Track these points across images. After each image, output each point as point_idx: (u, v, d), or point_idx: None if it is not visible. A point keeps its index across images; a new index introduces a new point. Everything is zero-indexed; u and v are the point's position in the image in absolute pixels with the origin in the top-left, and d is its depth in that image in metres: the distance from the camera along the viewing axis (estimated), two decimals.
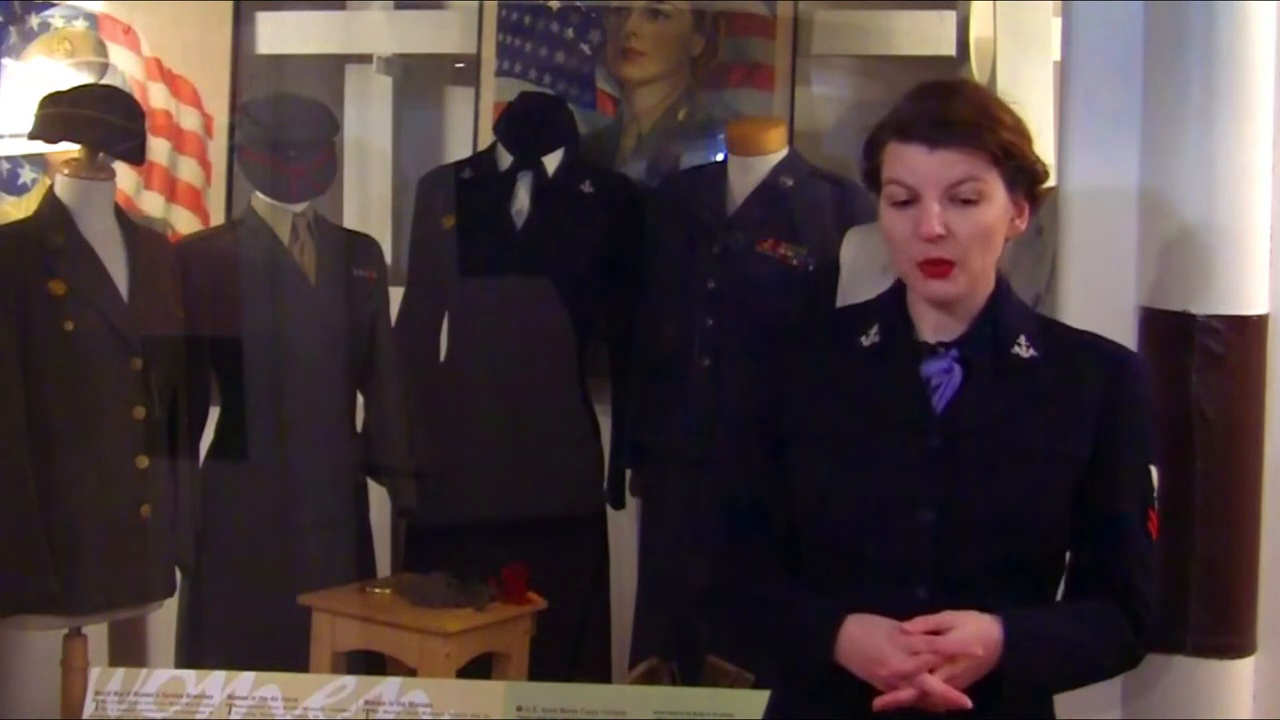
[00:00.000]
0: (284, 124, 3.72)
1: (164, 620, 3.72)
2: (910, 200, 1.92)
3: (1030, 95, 3.72)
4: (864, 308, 2.08)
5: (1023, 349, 1.97)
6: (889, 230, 1.95)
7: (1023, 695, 1.92)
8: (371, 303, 3.79)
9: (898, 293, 2.02)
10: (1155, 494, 2.00)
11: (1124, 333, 2.42)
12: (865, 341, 2.01)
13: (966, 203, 1.90)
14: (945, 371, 1.97)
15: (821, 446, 1.99)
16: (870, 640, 1.89)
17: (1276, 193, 2.42)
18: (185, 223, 4.14)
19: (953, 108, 1.91)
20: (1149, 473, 2.00)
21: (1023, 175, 1.94)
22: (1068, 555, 2.01)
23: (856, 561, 1.96)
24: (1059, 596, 2.02)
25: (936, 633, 1.86)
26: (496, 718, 2.76)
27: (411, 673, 3.34)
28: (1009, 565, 1.93)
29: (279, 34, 4.28)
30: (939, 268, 1.91)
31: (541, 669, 3.50)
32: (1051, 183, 2.69)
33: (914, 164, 1.91)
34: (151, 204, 4.13)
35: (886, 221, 1.95)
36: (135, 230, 3.56)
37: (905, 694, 1.86)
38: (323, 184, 3.76)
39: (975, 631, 1.86)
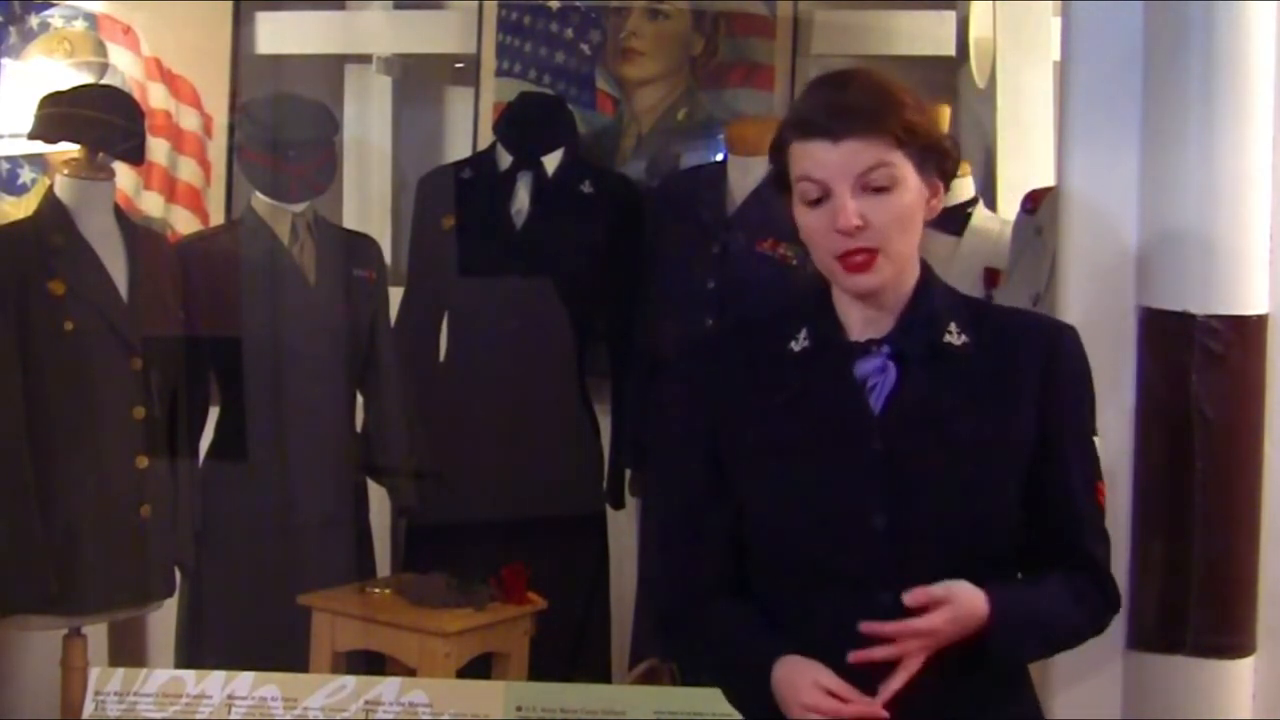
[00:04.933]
0: (284, 124, 3.72)
1: (164, 620, 3.71)
2: (823, 197, 1.89)
3: (1030, 95, 3.73)
4: (788, 311, 2.03)
5: (954, 336, 1.94)
6: (806, 229, 1.92)
7: (1004, 663, 1.92)
8: (371, 303, 3.79)
9: (822, 293, 1.99)
10: (1099, 465, 2.00)
11: (1124, 333, 2.42)
12: (795, 347, 1.97)
13: (879, 190, 1.87)
14: (879, 370, 1.94)
15: (762, 460, 1.96)
16: (792, 689, 1.87)
17: (1276, 193, 2.42)
18: (185, 223, 4.13)
19: (850, 96, 1.88)
20: (1093, 445, 1.99)
21: (931, 154, 1.91)
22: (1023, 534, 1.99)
23: (814, 573, 1.93)
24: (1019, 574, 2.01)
25: (928, 607, 1.84)
26: (496, 718, 2.76)
27: (411, 673, 3.34)
28: (969, 556, 1.91)
29: (278, 34, 4.28)
30: (861, 258, 1.88)
31: (541, 669, 3.50)
32: (1051, 183, 2.71)
33: (820, 159, 1.88)
34: (151, 204, 4.13)
35: (802, 221, 1.92)
36: (135, 230, 3.56)
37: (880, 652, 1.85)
38: (322, 184, 3.76)
39: (962, 607, 1.85)
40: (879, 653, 1.84)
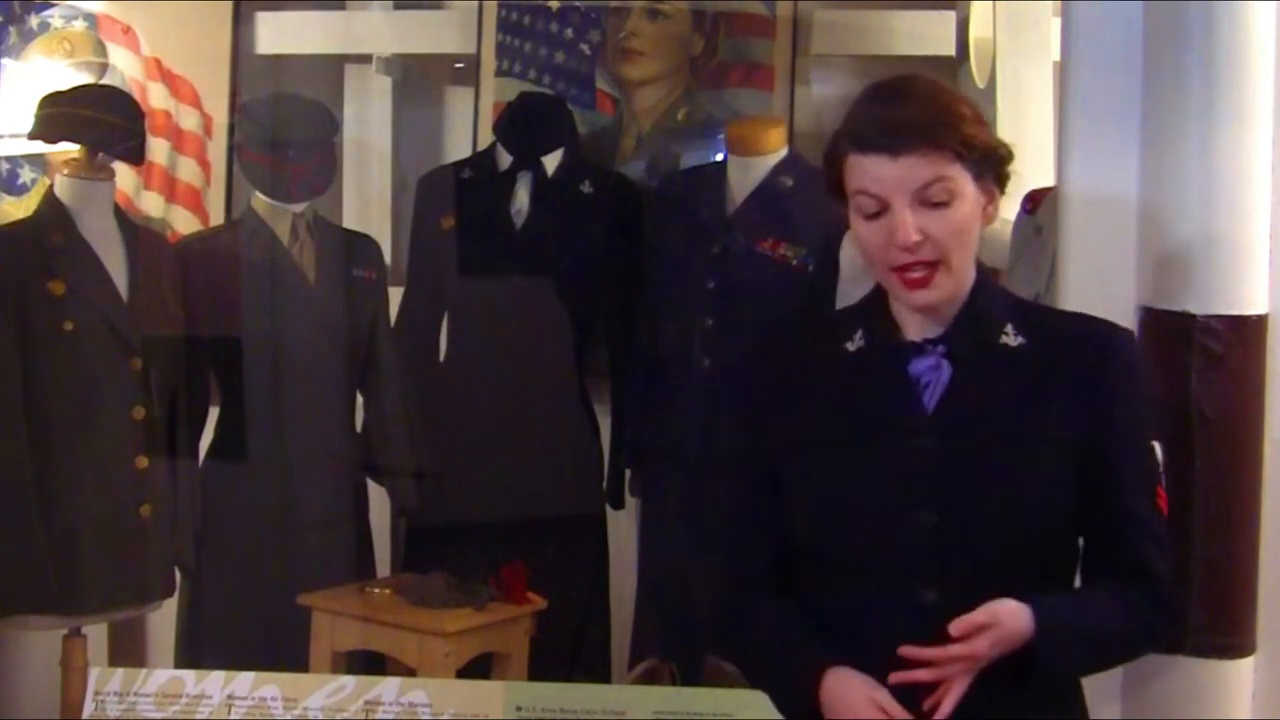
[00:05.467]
0: (284, 124, 3.72)
1: (164, 620, 3.72)
2: (880, 210, 1.89)
3: (1030, 95, 3.73)
4: (845, 313, 2.06)
5: (1009, 337, 1.95)
6: (863, 242, 1.93)
7: (1051, 679, 1.90)
8: (371, 303, 3.79)
9: (880, 295, 2.00)
10: (1161, 469, 1.99)
11: None
12: (850, 346, 1.99)
13: (938, 205, 1.87)
14: (933, 369, 1.95)
15: (813, 456, 1.97)
16: (844, 703, 1.87)
17: (1276, 193, 2.41)
18: (185, 223, 4.13)
19: (907, 111, 1.87)
20: (1152, 449, 1.98)
21: (988, 163, 1.92)
22: (1080, 541, 1.99)
23: (859, 570, 1.94)
24: (1076, 583, 2.00)
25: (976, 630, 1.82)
26: (496, 718, 2.76)
27: (411, 673, 3.34)
28: (1016, 558, 1.90)
29: (279, 34, 4.28)
30: (920, 274, 1.89)
31: (541, 669, 3.50)
32: (1051, 183, 2.71)
33: (878, 174, 1.87)
34: (151, 204, 4.13)
35: (860, 233, 1.93)
36: (135, 230, 3.56)
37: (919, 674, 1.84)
38: (322, 184, 3.76)
39: (1006, 629, 1.83)
40: (921, 674, 1.83)
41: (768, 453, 2.01)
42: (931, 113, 1.88)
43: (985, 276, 1.99)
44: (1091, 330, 2.00)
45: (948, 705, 1.83)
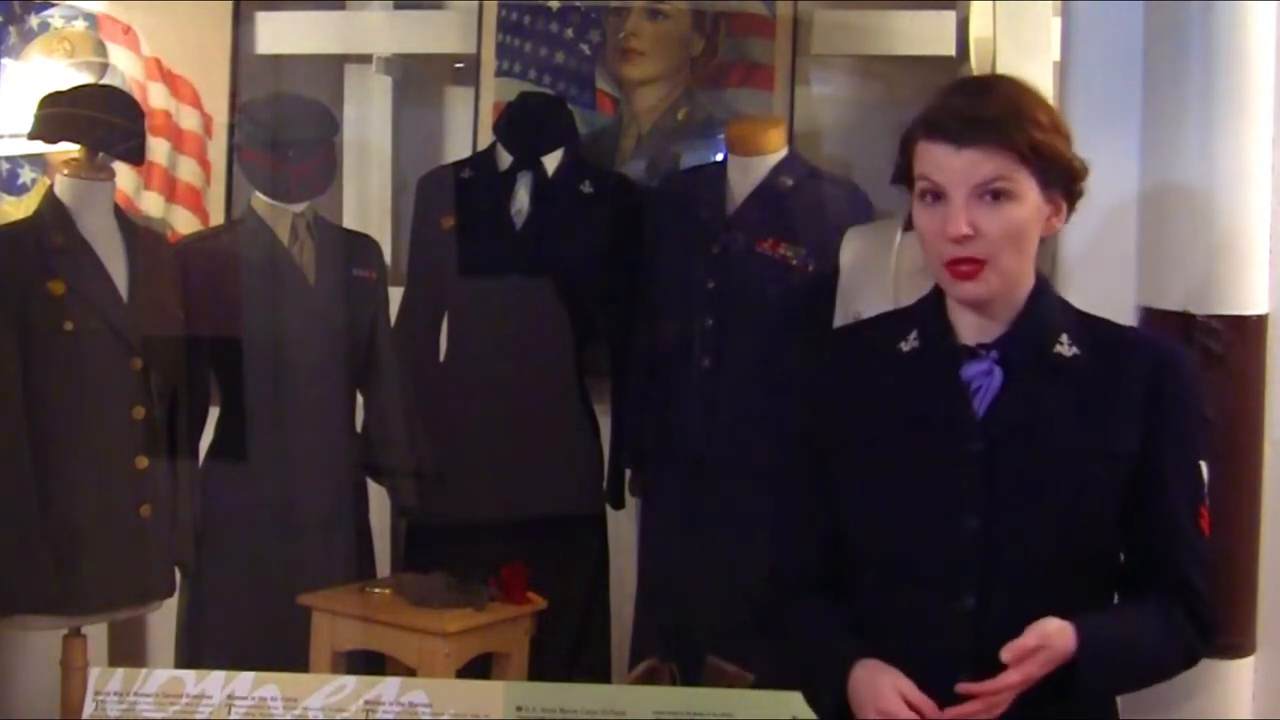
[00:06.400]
0: (284, 124, 3.71)
1: (164, 620, 3.72)
2: (939, 198, 1.90)
3: None
4: (902, 313, 2.06)
5: (1064, 347, 1.94)
6: (920, 228, 1.94)
7: (1093, 698, 1.91)
8: (371, 303, 3.79)
9: (937, 297, 2.00)
10: (1205, 490, 1.98)
11: None
12: (904, 347, 1.99)
13: (996, 201, 1.87)
14: (985, 374, 1.95)
15: (863, 455, 1.98)
16: (870, 693, 1.89)
17: (1276, 192, 2.42)
18: (185, 223, 4.14)
19: (982, 105, 1.88)
20: (1198, 468, 1.97)
21: (1057, 173, 1.91)
22: (1121, 556, 1.98)
23: (902, 571, 1.94)
24: (1115, 598, 2.00)
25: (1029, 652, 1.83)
26: (496, 718, 2.76)
27: (411, 673, 3.34)
28: (1058, 568, 1.90)
29: (278, 34, 4.28)
30: (967, 268, 1.89)
31: (541, 669, 3.50)
32: None
33: (941, 162, 1.88)
34: (151, 204, 4.13)
35: (917, 218, 1.94)
36: (135, 230, 3.56)
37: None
38: (322, 184, 3.76)
39: (1055, 650, 1.84)
40: (973, 708, 1.84)
41: (820, 450, 2.02)
42: (1004, 110, 1.88)
43: (1044, 284, 1.98)
44: (1147, 345, 1.99)
45: (979, 713, 1.84)
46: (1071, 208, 1.97)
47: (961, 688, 1.84)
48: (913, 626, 1.92)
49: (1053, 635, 1.83)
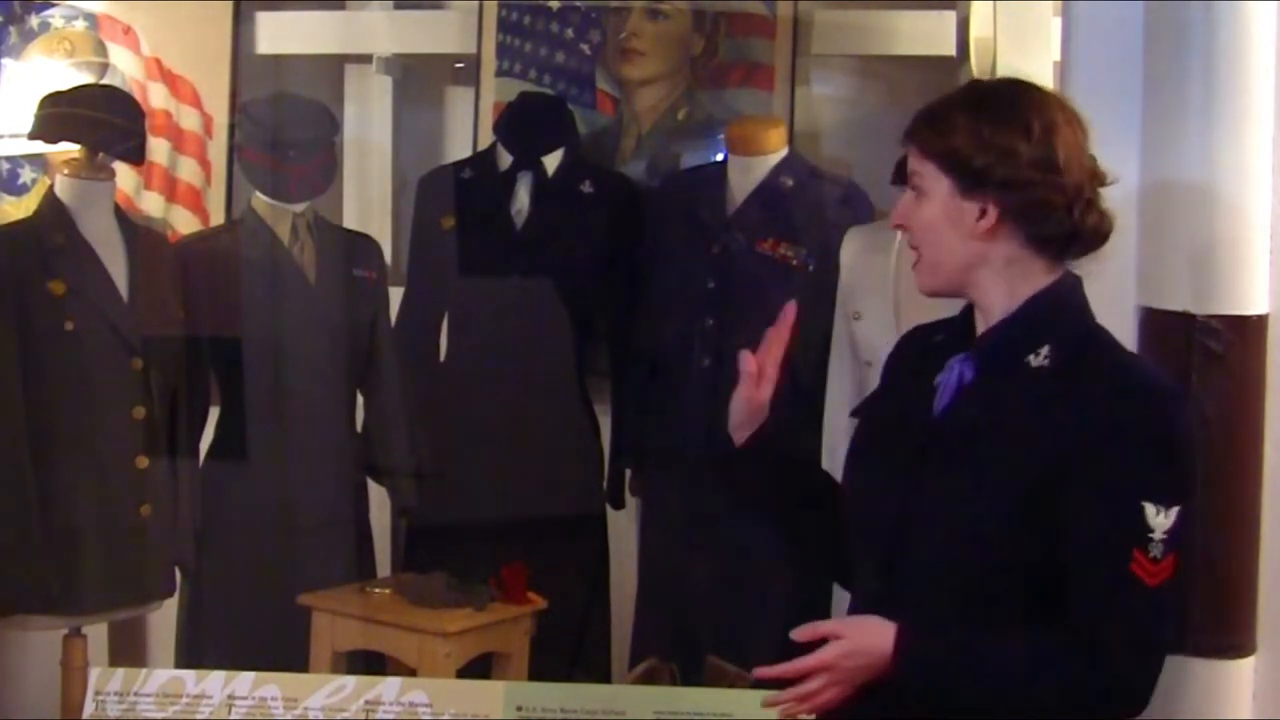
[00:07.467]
0: (284, 124, 3.72)
1: (164, 620, 3.72)
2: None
3: None
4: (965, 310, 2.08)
5: (1038, 358, 1.90)
6: None
7: (927, 704, 1.87)
8: (371, 303, 3.79)
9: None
10: (1157, 535, 1.83)
11: (1124, 333, 2.42)
12: (937, 338, 2.07)
13: (916, 197, 1.97)
14: (950, 373, 1.97)
15: (860, 431, 2.11)
16: None
17: (1276, 192, 2.41)
18: (185, 223, 4.14)
19: (932, 105, 1.96)
20: (1141, 509, 1.83)
21: (981, 177, 1.89)
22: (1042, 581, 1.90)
23: (853, 546, 2.05)
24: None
25: (824, 640, 1.87)
26: (496, 718, 2.76)
27: (411, 673, 3.34)
28: (956, 575, 1.89)
29: (279, 34, 4.28)
30: (915, 258, 1.99)
31: (541, 669, 3.50)
32: None
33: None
34: (151, 204, 4.13)
35: None
36: (135, 230, 3.56)
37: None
38: (323, 184, 3.76)
39: (855, 644, 1.86)
40: (783, 669, 1.88)
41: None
42: (933, 114, 1.95)
43: (1052, 292, 1.94)
44: (1136, 379, 1.90)
45: (796, 707, 1.89)
46: (1033, 221, 1.91)
47: (759, 672, 1.90)
48: (854, 602, 2.04)
49: (854, 628, 1.87)
